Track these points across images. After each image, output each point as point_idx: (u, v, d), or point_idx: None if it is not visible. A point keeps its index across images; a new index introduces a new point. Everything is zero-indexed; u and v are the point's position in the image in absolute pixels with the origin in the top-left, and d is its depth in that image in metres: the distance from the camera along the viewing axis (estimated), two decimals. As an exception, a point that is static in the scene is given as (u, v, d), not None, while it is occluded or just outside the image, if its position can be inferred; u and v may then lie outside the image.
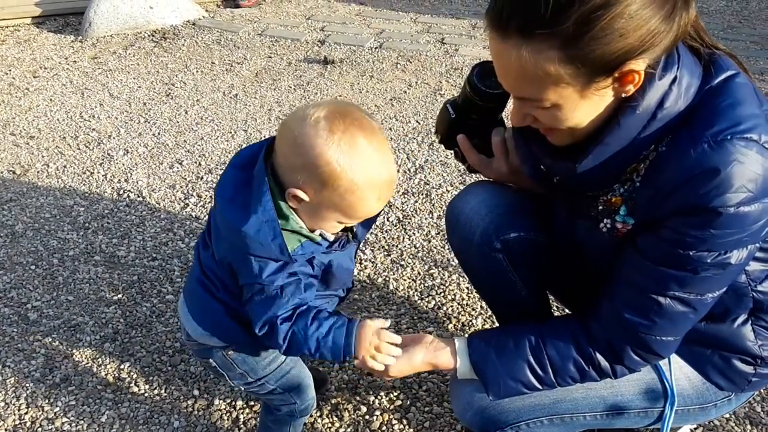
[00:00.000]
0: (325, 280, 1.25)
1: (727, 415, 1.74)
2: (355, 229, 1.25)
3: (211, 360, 1.36)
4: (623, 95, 1.01)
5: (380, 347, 1.20)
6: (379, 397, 1.78)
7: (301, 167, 1.07)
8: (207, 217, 2.42)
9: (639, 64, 0.95)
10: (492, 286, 1.49)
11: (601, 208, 1.17)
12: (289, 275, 1.14)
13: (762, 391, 1.82)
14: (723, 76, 1.05)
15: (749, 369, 1.30)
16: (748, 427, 1.72)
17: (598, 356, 1.20)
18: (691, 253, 1.03)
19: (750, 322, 1.26)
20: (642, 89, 1.00)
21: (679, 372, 1.33)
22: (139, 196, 2.66)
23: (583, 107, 1.02)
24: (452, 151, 1.49)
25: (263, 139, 1.25)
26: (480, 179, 1.52)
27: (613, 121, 1.03)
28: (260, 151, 1.15)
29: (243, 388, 1.40)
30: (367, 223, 1.27)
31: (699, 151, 0.98)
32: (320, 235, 1.16)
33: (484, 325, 2.02)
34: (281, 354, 1.27)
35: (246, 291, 1.17)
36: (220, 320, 1.27)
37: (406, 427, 1.70)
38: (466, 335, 1.34)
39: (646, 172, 1.09)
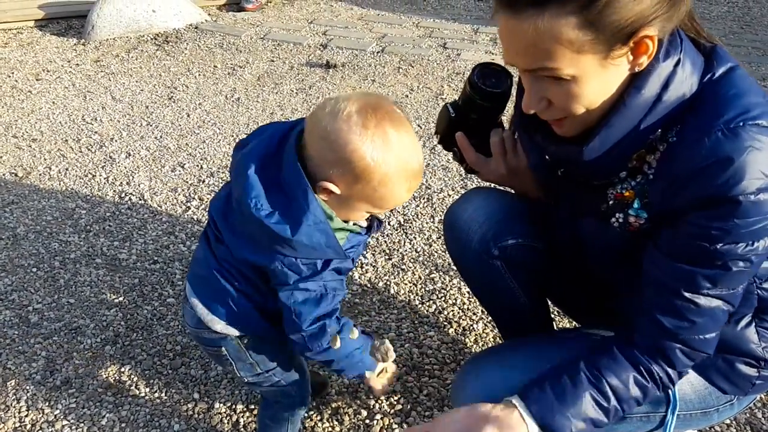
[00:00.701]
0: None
1: (728, 421, 1.73)
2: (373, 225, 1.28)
3: (222, 348, 1.33)
4: (636, 68, 1.01)
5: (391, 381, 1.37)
6: (379, 402, 1.77)
7: (334, 162, 1.07)
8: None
9: (652, 31, 0.96)
10: (490, 292, 1.48)
11: (612, 202, 1.16)
12: (335, 272, 1.18)
13: (763, 396, 1.81)
14: (725, 67, 1.05)
15: (753, 372, 1.30)
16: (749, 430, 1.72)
17: (655, 367, 1.16)
18: (718, 247, 1.02)
19: (754, 323, 1.26)
20: (647, 71, 1.00)
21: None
22: (140, 199, 2.66)
23: (599, 80, 1.01)
24: (451, 152, 1.49)
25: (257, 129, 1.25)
26: (478, 186, 1.53)
27: (619, 103, 1.03)
28: (278, 147, 1.13)
29: (249, 379, 1.39)
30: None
31: (713, 139, 0.98)
32: (354, 224, 1.20)
33: (485, 329, 2.02)
34: (310, 358, 1.27)
35: (287, 292, 1.17)
36: (242, 311, 1.26)
37: (407, 431, 1.70)
38: (518, 394, 1.22)
39: (658, 164, 1.08)
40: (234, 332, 1.30)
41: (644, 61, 1.00)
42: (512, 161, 1.39)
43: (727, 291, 1.08)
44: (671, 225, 1.07)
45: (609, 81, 1.02)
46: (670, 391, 1.30)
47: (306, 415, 1.70)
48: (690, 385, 1.33)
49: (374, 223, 1.25)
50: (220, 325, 1.28)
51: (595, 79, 1.01)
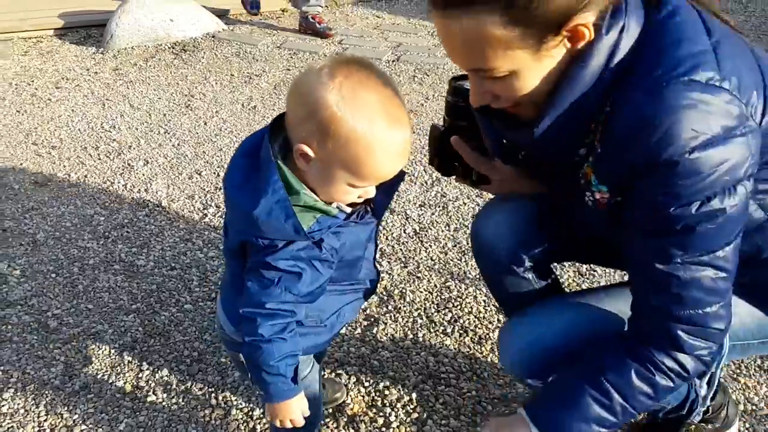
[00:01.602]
0: (342, 268, 1.21)
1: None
2: (372, 204, 1.20)
3: (241, 354, 1.32)
4: (576, 52, 0.98)
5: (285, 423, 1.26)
6: (395, 410, 1.77)
7: (304, 117, 1.02)
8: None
9: (586, 17, 0.94)
10: (518, 298, 1.48)
11: (582, 182, 1.13)
12: (293, 259, 1.10)
13: None
14: (664, 12, 1.00)
15: None
16: (770, 445, 1.70)
17: (656, 355, 1.10)
18: (671, 212, 0.98)
19: None
20: (590, 45, 0.97)
21: (740, 307, 1.24)
22: (158, 206, 2.69)
23: (538, 70, 0.99)
24: (453, 176, 1.45)
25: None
26: (493, 198, 1.53)
27: (564, 82, 1.00)
28: (264, 135, 1.11)
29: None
30: (385, 198, 1.22)
31: (636, 103, 0.95)
32: (337, 207, 1.12)
33: (501, 338, 2.02)
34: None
35: (246, 272, 1.14)
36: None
37: (423, 440, 1.70)
38: (524, 406, 1.26)
39: (601, 136, 1.05)
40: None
41: (583, 45, 0.97)
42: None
43: (706, 256, 1.02)
44: (625, 198, 1.04)
45: (549, 68, 1.00)
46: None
47: (322, 422, 1.70)
48: (749, 314, 1.27)
49: (359, 209, 1.17)
50: (236, 334, 1.28)
51: (534, 70, 0.99)
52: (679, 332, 1.08)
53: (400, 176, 1.17)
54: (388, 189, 1.20)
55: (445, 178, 2.86)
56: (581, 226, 1.27)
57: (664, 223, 1.00)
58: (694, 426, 1.54)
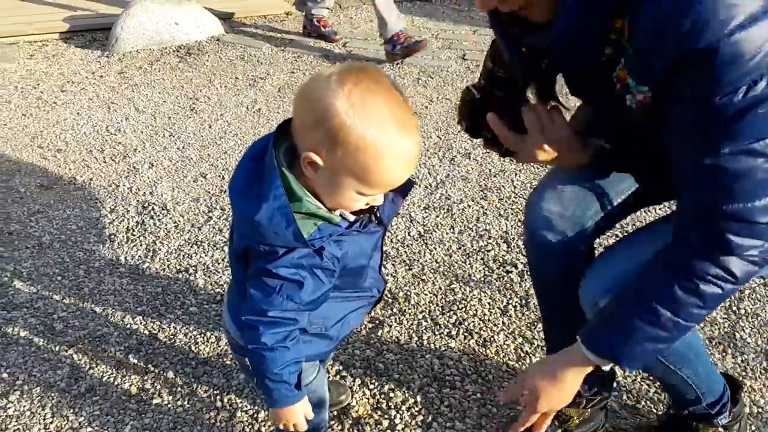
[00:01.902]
0: (345, 276, 1.20)
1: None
2: (378, 212, 1.17)
3: (247, 359, 1.32)
4: None
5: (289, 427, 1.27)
6: (400, 412, 1.77)
7: (312, 125, 1.01)
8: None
9: None
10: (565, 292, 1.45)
11: (618, 87, 1.08)
12: (294, 267, 1.09)
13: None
14: None
15: None
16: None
17: (698, 266, 1.06)
18: (716, 101, 0.91)
19: None
20: None
21: None
22: (163, 209, 2.69)
23: None
24: (480, 138, 1.38)
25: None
26: (535, 188, 1.51)
27: None
28: (268, 138, 1.11)
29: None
30: (393, 206, 1.20)
31: None
32: (340, 215, 1.11)
33: (506, 341, 2.02)
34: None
35: (249, 278, 1.15)
36: None
37: (428, 442, 1.70)
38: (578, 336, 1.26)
39: (629, 33, 1.00)
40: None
41: None
42: (552, 135, 1.30)
43: (756, 143, 0.95)
44: (666, 95, 1.00)
45: None
46: None
47: (328, 424, 1.70)
48: None
49: (363, 218, 1.15)
50: (237, 333, 1.29)
51: None
52: (726, 231, 1.02)
53: (408, 185, 1.16)
54: (396, 197, 1.19)
55: (449, 180, 2.86)
56: (633, 140, 1.21)
57: (709, 114, 0.93)
58: (712, 429, 1.53)
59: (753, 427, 1.74)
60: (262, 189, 1.05)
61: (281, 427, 1.28)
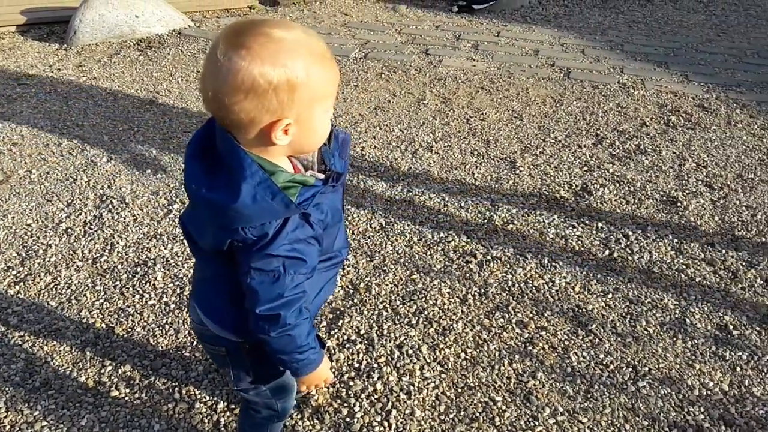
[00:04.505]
0: (325, 240, 1.20)
1: (701, 416, 1.76)
2: (331, 166, 1.17)
3: (225, 348, 1.32)
4: None
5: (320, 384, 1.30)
6: (360, 401, 1.79)
7: (259, 101, 0.99)
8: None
9: None
10: None
11: None
12: (290, 243, 1.08)
13: (736, 392, 1.85)
14: None
15: None
16: (723, 428, 1.75)
17: None
18: None
19: None
20: None
21: None
22: (122, 203, 2.66)
23: None
24: None
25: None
26: None
27: None
28: (209, 131, 1.09)
29: (240, 386, 1.39)
30: (343, 162, 1.22)
31: None
32: (312, 176, 1.12)
33: (465, 329, 2.04)
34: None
35: (245, 271, 1.11)
36: (237, 318, 1.23)
37: (387, 429, 1.71)
38: None
39: None
40: (231, 337, 1.29)
41: None
42: None
43: None
44: None
45: None
46: None
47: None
48: None
49: (331, 174, 1.16)
50: (223, 332, 1.28)
51: None
52: None
53: (347, 138, 1.21)
54: (343, 152, 1.21)
55: (411, 173, 2.88)
56: None
57: None
58: None
59: (702, 409, 1.80)
60: (232, 174, 1.03)
61: (310, 388, 1.31)
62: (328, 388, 1.82)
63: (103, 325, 2.02)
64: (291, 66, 0.99)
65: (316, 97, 1.05)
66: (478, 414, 1.77)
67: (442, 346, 1.98)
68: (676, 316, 2.13)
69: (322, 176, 1.14)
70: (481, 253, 2.40)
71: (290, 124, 1.04)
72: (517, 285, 2.25)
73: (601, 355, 1.96)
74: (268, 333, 1.15)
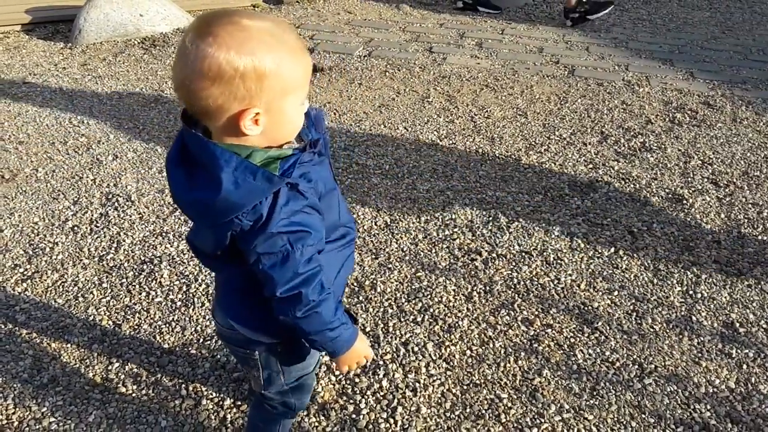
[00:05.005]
0: (327, 214, 1.18)
1: (708, 413, 1.77)
2: (306, 137, 1.17)
3: (256, 352, 1.32)
4: None
5: (361, 363, 1.29)
6: (366, 397, 1.79)
7: (226, 89, 0.99)
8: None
9: None
10: None
11: None
12: (288, 218, 1.07)
13: (742, 389, 1.85)
14: None
15: None
16: (729, 425, 1.75)
17: None
18: None
19: None
20: None
21: None
22: (128, 201, 2.67)
23: None
24: None
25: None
26: None
27: None
28: (183, 139, 1.09)
29: (269, 390, 1.39)
30: (322, 134, 1.21)
31: None
32: (288, 148, 1.11)
33: (470, 326, 2.05)
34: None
35: (254, 260, 1.10)
36: (263, 318, 1.23)
37: (393, 426, 1.72)
38: None
39: None
40: (264, 339, 1.29)
41: None
42: None
43: None
44: None
45: None
46: None
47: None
48: None
49: (308, 141, 1.14)
50: (255, 335, 1.28)
51: None
52: None
53: (321, 113, 1.20)
54: (318, 126, 1.20)
55: (416, 171, 2.88)
56: None
57: None
58: None
59: (708, 406, 1.80)
60: (207, 169, 1.03)
61: (353, 368, 1.30)
62: (333, 384, 1.83)
63: (110, 323, 2.03)
64: (259, 55, 0.99)
65: (287, 88, 1.04)
66: (483, 411, 1.77)
67: (447, 343, 1.99)
68: (682, 313, 2.13)
69: (297, 145, 1.13)
70: (486, 250, 2.41)
71: (260, 114, 1.03)
72: (522, 282, 2.25)
73: (607, 353, 1.97)
74: (294, 314, 1.13)
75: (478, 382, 1.86)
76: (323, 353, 1.33)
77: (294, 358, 1.37)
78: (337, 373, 1.85)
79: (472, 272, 2.29)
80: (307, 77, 1.09)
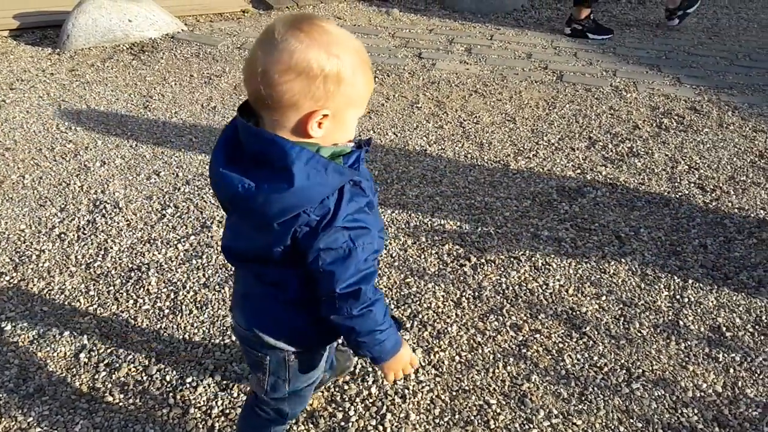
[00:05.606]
0: (375, 217, 1.20)
1: (696, 418, 1.77)
2: (359, 137, 1.23)
3: (268, 357, 1.32)
4: None
5: (407, 370, 1.30)
6: (355, 404, 1.79)
7: (304, 87, 1.02)
8: (192, 236, 2.43)
9: None
10: None
11: None
12: (351, 215, 1.08)
13: (729, 393, 1.86)
14: None
15: None
16: (716, 429, 1.76)
17: None
18: None
19: None
20: None
21: None
22: (115, 207, 2.66)
23: None
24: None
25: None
26: None
27: None
28: (234, 131, 1.10)
29: (272, 395, 1.39)
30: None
31: None
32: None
33: (459, 332, 2.05)
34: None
35: (314, 257, 1.09)
36: (296, 326, 1.25)
37: (382, 433, 1.72)
38: None
39: None
40: (285, 346, 1.29)
41: None
42: None
43: None
44: None
45: None
46: None
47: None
48: None
49: (360, 141, 1.19)
50: (272, 340, 1.28)
51: None
52: None
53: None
54: None
55: (405, 177, 2.88)
56: None
57: None
58: None
59: (695, 410, 1.81)
60: (276, 164, 1.03)
61: (398, 376, 1.29)
62: (322, 392, 1.82)
63: (97, 331, 2.02)
64: (343, 59, 1.04)
65: (356, 99, 1.09)
66: (472, 417, 1.77)
67: (436, 349, 1.99)
68: (670, 318, 2.14)
69: (353, 144, 1.17)
70: (475, 256, 2.41)
71: (326, 117, 1.06)
72: (511, 288, 2.26)
73: (595, 358, 1.97)
74: (351, 312, 1.14)
75: (467, 388, 1.86)
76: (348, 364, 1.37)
77: (304, 368, 1.37)
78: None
79: (461, 278, 2.30)
80: (369, 97, 1.14)
